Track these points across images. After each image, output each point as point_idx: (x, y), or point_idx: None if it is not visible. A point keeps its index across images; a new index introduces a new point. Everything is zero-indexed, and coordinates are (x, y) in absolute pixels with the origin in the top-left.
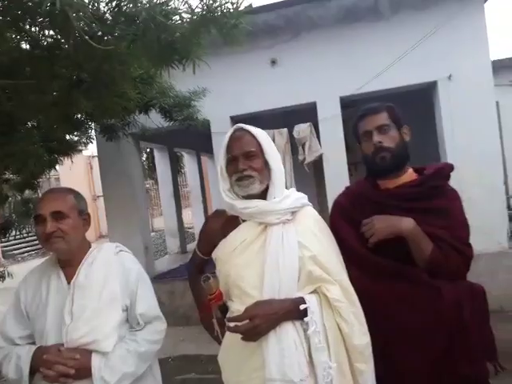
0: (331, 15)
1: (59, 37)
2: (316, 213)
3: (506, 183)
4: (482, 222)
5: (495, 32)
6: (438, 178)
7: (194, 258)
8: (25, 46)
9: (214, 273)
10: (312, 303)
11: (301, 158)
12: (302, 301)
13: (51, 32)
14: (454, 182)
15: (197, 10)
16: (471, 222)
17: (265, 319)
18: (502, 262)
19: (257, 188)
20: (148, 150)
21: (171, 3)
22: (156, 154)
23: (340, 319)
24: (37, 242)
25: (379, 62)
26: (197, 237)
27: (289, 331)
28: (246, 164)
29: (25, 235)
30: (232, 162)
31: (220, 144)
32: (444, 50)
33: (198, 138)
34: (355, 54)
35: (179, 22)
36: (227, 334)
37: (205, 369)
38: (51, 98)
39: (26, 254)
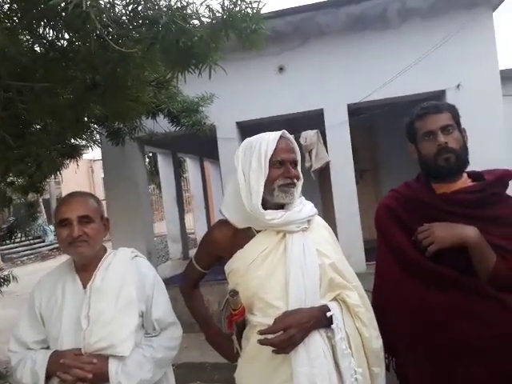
0: (340, 23)
1: (74, 39)
2: (324, 221)
3: None
4: None
5: (505, 43)
6: (499, 185)
7: (190, 271)
8: (38, 48)
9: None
10: (335, 310)
11: (307, 164)
12: (326, 308)
13: (66, 35)
14: None
15: (217, 14)
16: None
17: (299, 329)
18: None
19: (296, 197)
20: (151, 154)
21: (190, 6)
22: (159, 158)
23: (360, 324)
24: (36, 245)
25: (387, 70)
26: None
27: (317, 340)
28: (295, 171)
29: (23, 238)
30: (278, 166)
31: (227, 149)
32: (453, 59)
33: (201, 144)
34: (363, 62)
35: (198, 25)
36: (247, 349)
37: (210, 377)
38: (65, 101)
39: (25, 258)
